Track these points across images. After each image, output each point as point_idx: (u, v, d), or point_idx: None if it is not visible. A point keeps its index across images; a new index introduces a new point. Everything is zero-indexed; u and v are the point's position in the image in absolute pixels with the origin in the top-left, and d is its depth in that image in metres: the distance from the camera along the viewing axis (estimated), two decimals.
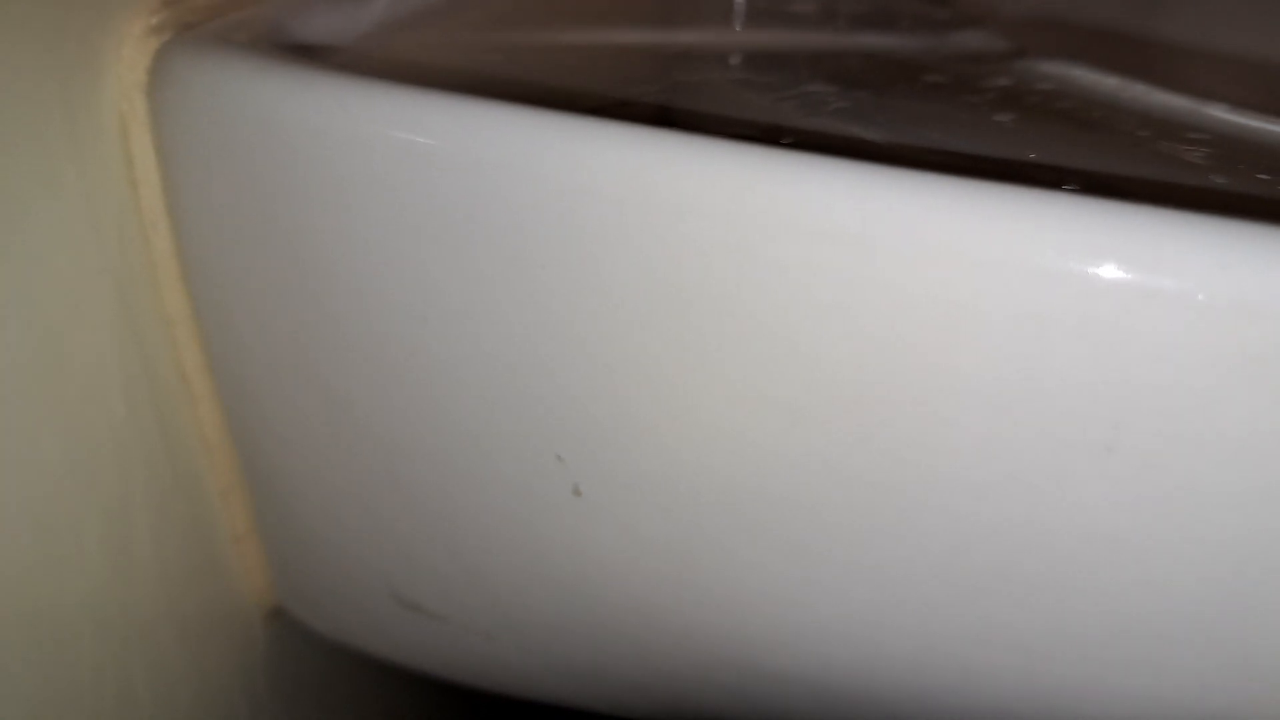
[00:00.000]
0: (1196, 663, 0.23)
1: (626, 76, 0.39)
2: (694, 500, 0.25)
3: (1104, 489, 0.21)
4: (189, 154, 0.27)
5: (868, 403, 0.22)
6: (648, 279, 0.22)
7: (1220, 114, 0.37)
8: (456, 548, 0.31)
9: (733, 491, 0.25)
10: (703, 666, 0.30)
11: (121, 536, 0.30)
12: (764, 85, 0.39)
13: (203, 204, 0.28)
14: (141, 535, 0.30)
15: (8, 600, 0.26)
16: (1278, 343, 0.19)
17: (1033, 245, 0.19)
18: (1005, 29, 0.47)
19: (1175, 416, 0.20)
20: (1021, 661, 0.25)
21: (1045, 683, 0.25)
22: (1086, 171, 0.31)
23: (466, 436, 0.28)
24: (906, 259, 0.20)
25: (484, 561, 0.31)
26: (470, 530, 0.30)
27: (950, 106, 0.38)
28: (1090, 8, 0.52)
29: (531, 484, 0.27)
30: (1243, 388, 0.19)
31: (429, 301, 0.25)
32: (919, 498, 0.23)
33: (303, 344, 0.29)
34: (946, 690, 0.26)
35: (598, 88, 0.36)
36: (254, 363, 0.31)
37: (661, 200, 0.22)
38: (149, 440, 0.30)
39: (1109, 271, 0.19)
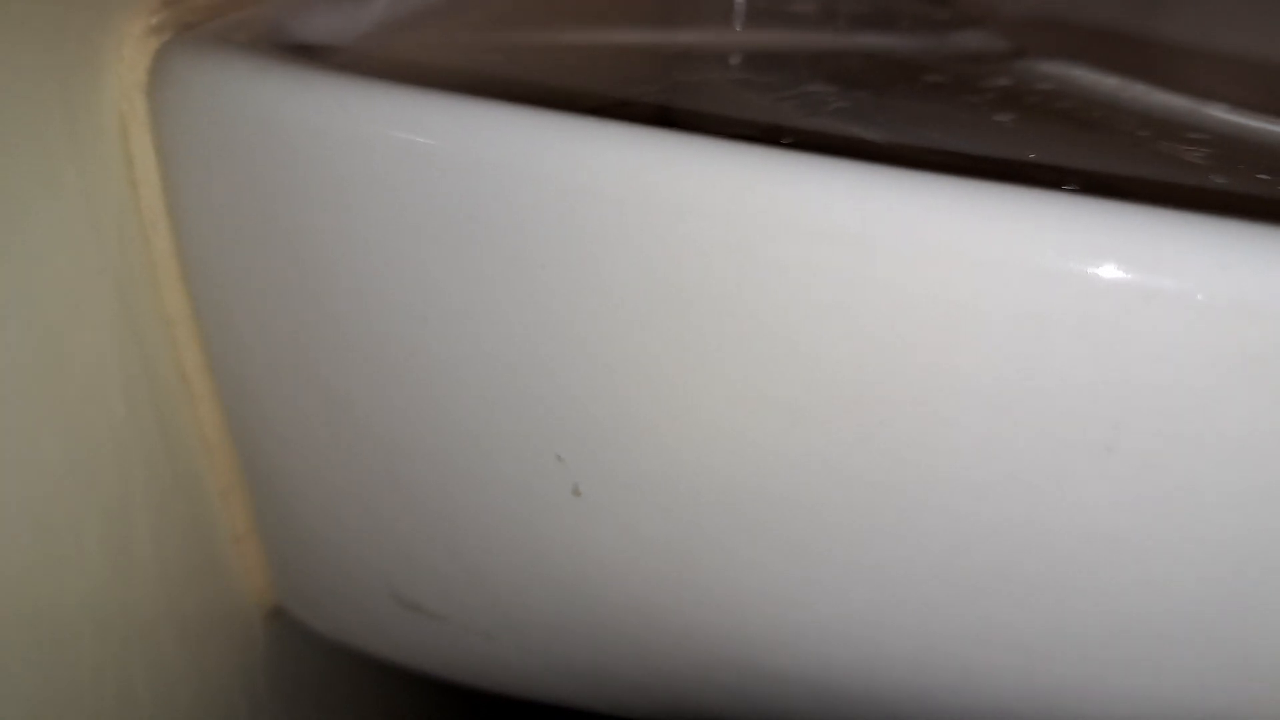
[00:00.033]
0: (1196, 663, 0.23)
1: (626, 76, 0.39)
2: (694, 500, 0.25)
3: (1104, 489, 0.21)
4: (189, 154, 0.27)
5: (868, 403, 0.22)
6: (648, 279, 0.22)
7: (1220, 114, 0.37)
8: (456, 548, 0.31)
9: (733, 491, 0.25)
10: (703, 666, 0.30)
11: (121, 536, 0.30)
12: (764, 85, 0.39)
13: (203, 204, 0.28)
14: (141, 535, 0.30)
15: (8, 600, 0.26)
16: (1277, 343, 0.19)
17: (1033, 245, 0.19)
18: (1005, 29, 0.47)
19: (1175, 416, 0.20)
20: (1021, 661, 0.25)
21: (1045, 683, 0.25)
22: (1086, 171, 0.31)
23: (466, 436, 0.28)
24: (906, 259, 0.20)
25: (484, 561, 0.31)
26: (470, 530, 0.30)
27: (950, 106, 0.38)
28: (1090, 8, 0.52)
29: (531, 484, 0.27)
30: (1243, 388, 0.19)
31: (429, 301, 0.25)
32: (919, 498, 0.23)
33: (303, 344, 0.29)
34: (946, 690, 0.26)
35: (598, 88, 0.36)
36: (254, 363, 0.31)
37: (661, 200, 0.22)
38: (149, 440, 0.30)
39: (1109, 271, 0.19)
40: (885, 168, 0.20)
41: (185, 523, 0.33)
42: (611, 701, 0.36)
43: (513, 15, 0.40)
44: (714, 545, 0.26)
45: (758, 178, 0.21)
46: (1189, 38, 0.49)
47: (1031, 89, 0.41)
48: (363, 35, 0.33)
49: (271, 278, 0.28)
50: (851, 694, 0.28)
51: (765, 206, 0.21)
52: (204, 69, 0.26)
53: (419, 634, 0.35)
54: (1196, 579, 0.22)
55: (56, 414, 0.27)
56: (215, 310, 0.30)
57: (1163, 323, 0.19)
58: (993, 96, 0.39)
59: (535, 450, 0.26)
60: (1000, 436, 0.21)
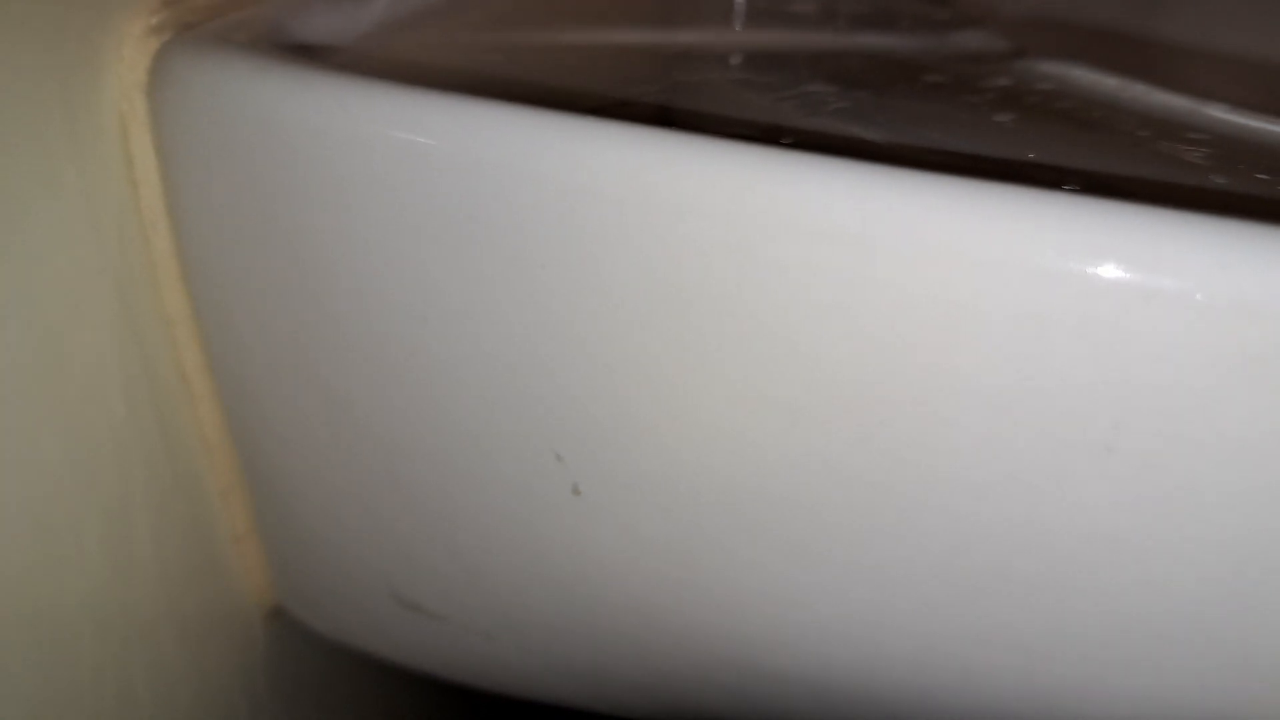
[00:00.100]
0: (1196, 663, 0.23)
1: (626, 76, 0.39)
2: (694, 500, 0.25)
3: (1104, 489, 0.21)
4: (189, 154, 0.27)
5: (868, 403, 0.22)
6: (648, 279, 0.22)
7: (1220, 114, 0.37)
8: (456, 548, 0.31)
9: (733, 491, 0.25)
10: (703, 666, 0.30)
11: (121, 536, 0.30)
12: (764, 85, 0.39)
13: (203, 204, 0.28)
14: (141, 535, 0.30)
15: (8, 600, 0.26)
16: (1277, 343, 0.19)
17: (1033, 245, 0.19)
18: (1005, 29, 0.47)
19: (1175, 416, 0.20)
20: (1021, 661, 0.25)
21: (1045, 683, 0.25)
22: (1086, 171, 0.31)
23: (466, 436, 0.28)
24: (906, 259, 0.20)
25: (484, 561, 0.31)
26: (470, 530, 0.30)
27: (950, 106, 0.38)
28: (1090, 8, 0.52)
29: (531, 484, 0.27)
30: (1243, 388, 0.19)
31: (429, 301, 0.25)
32: (919, 498, 0.23)
33: (303, 344, 0.29)
34: (946, 690, 0.26)
35: (598, 88, 0.36)
36: (254, 363, 0.31)
37: (661, 200, 0.22)
38: (149, 440, 0.30)
39: (1109, 271, 0.19)
40: (885, 168, 0.20)
41: (185, 523, 0.33)
42: (611, 701, 0.36)
43: (513, 15, 0.40)
44: (714, 545, 0.26)
45: (758, 178, 0.21)
46: (1189, 38, 0.49)
47: (1031, 89, 0.41)
48: (363, 35, 0.33)
49: (271, 278, 0.28)
50: (851, 694, 0.28)
51: (765, 206, 0.21)
52: (204, 69, 0.26)
53: (419, 634, 0.35)
54: (1196, 579, 0.22)
55: (56, 414, 0.27)
56: (215, 310, 0.30)
57: (1163, 323, 0.19)
58: (993, 96, 0.39)
59: (535, 450, 0.26)
60: (1000, 436, 0.21)
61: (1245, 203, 0.30)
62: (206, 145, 0.27)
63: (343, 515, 0.33)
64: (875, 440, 0.22)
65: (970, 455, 0.22)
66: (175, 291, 0.30)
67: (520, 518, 0.29)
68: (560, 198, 0.22)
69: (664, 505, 0.26)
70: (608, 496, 0.26)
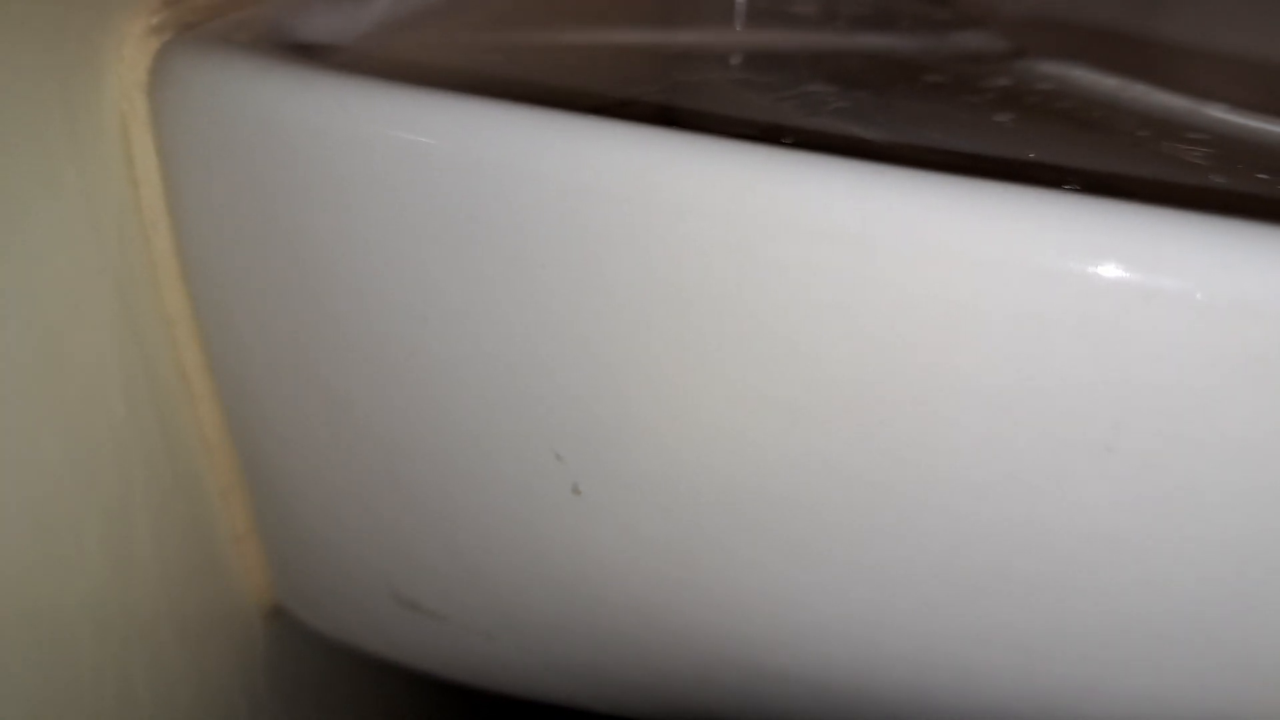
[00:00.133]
0: (1196, 663, 0.23)
1: (627, 76, 0.39)
2: (694, 500, 0.25)
3: (1104, 489, 0.21)
4: (189, 154, 0.27)
5: (868, 403, 0.22)
6: (648, 279, 0.22)
7: (1220, 114, 0.37)
8: (456, 548, 0.31)
9: (733, 491, 0.25)
10: (703, 666, 0.30)
11: (121, 536, 0.30)
12: (764, 85, 0.39)
13: (203, 204, 0.28)
14: (141, 535, 0.30)
15: (8, 600, 0.26)
16: (1278, 342, 0.19)
17: (1033, 245, 0.19)
18: (1005, 29, 0.47)
19: (1175, 416, 0.20)
20: (1021, 661, 0.25)
21: (1045, 683, 0.25)
22: (1086, 171, 0.31)
23: (466, 436, 0.28)
24: (906, 259, 0.20)
25: (484, 561, 0.31)
26: (470, 530, 0.30)
27: (950, 106, 0.38)
28: (1090, 8, 0.52)
29: (531, 483, 0.27)
30: (1243, 387, 0.19)
31: (429, 301, 0.25)
32: (919, 498, 0.23)
33: (303, 344, 0.29)
34: (946, 690, 0.26)
35: (598, 88, 0.36)
36: (254, 363, 0.31)
37: (662, 200, 0.22)
38: (149, 440, 0.30)
39: (1109, 271, 0.19)
40: (885, 167, 0.20)
41: (185, 523, 0.33)
42: (611, 701, 0.36)
43: (513, 15, 0.40)
44: (714, 545, 0.26)
45: (758, 178, 0.21)
46: (1189, 38, 0.49)
47: (1031, 89, 0.41)
48: (363, 35, 0.33)
49: (271, 278, 0.28)
50: (851, 694, 0.28)
51: (765, 206, 0.21)
52: (204, 69, 0.26)
53: (419, 634, 0.35)
54: (1196, 579, 0.22)
55: (56, 414, 0.27)
56: (215, 310, 0.30)
57: (1163, 323, 0.19)
58: (993, 96, 0.39)
59: (535, 450, 0.26)
60: (1000, 436, 0.21)
61: (1245, 203, 0.30)
62: (207, 145, 0.27)
63: (343, 515, 0.33)
64: (875, 440, 0.22)
65: (970, 455, 0.22)
66: (175, 291, 0.30)
67: (520, 518, 0.29)
68: (560, 197, 0.22)
69: (664, 505, 0.26)
70: (608, 496, 0.26)
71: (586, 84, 0.36)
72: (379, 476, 0.31)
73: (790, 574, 0.26)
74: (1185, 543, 0.21)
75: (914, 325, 0.21)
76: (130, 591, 0.30)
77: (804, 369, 0.22)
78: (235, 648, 0.36)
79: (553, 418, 0.26)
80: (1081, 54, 0.43)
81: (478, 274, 0.24)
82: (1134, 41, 0.50)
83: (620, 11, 0.44)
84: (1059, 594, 0.23)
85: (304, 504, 0.33)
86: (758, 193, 0.21)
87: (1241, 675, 0.23)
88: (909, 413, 0.22)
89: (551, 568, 0.29)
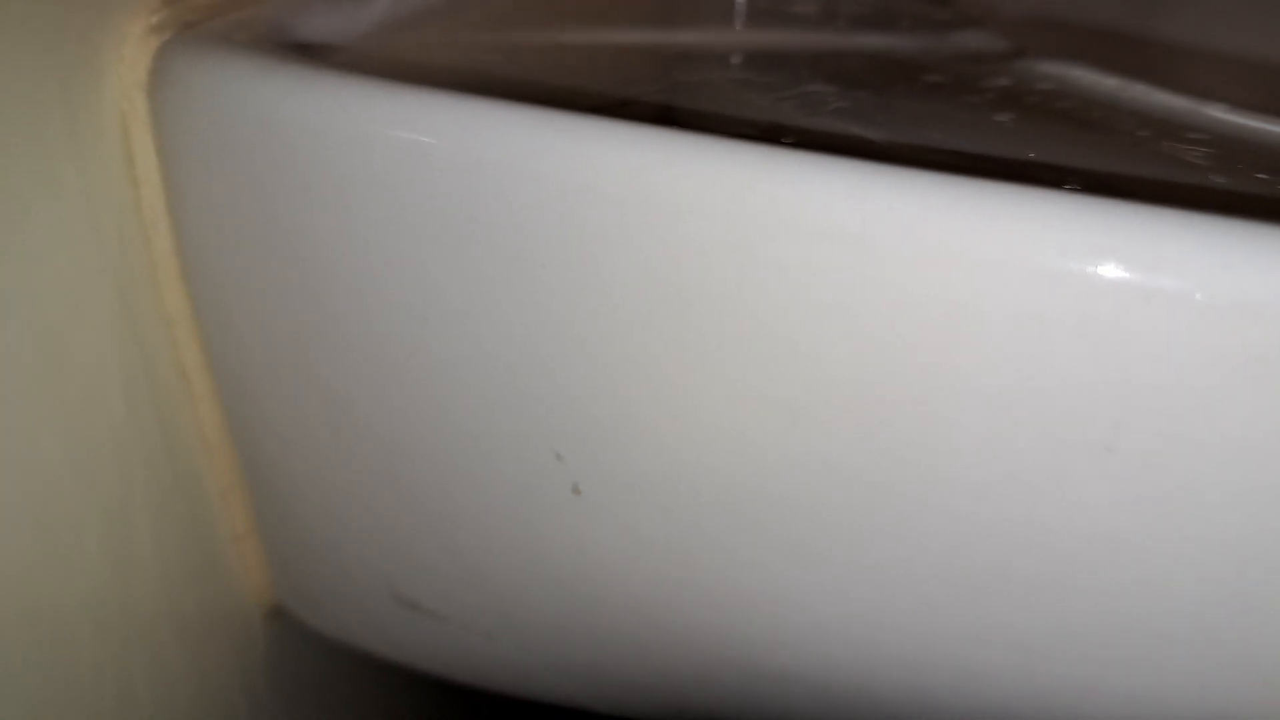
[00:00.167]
0: (1196, 663, 0.23)
1: (626, 76, 0.39)
2: (694, 500, 0.25)
3: (1104, 489, 0.21)
4: (190, 153, 0.27)
5: (868, 403, 0.22)
6: (648, 279, 0.22)
7: (1220, 114, 0.37)
8: (456, 548, 0.31)
9: (733, 491, 0.25)
10: (703, 666, 0.30)
11: (121, 536, 0.30)
12: (764, 85, 0.39)
13: (203, 203, 0.28)
14: (141, 535, 0.30)
15: (8, 600, 0.26)
16: (1278, 342, 0.19)
17: (1033, 245, 0.19)
18: (1005, 29, 0.47)
19: (1176, 416, 0.20)
20: (1021, 661, 0.25)
21: (1045, 683, 0.25)
22: (1086, 171, 0.31)
23: (466, 436, 0.28)
24: (906, 259, 0.20)
25: (484, 561, 0.31)
26: (470, 530, 0.30)
27: (950, 106, 0.38)
28: (1090, 8, 0.52)
29: (531, 483, 0.27)
30: (1243, 388, 0.19)
31: (429, 301, 0.25)
32: (919, 498, 0.23)
33: (303, 344, 0.29)
34: (946, 690, 0.26)
35: (598, 88, 0.36)
36: (254, 363, 0.31)
37: (662, 200, 0.22)
38: (149, 440, 0.30)
39: (1109, 271, 0.19)
40: (885, 167, 0.20)
41: (185, 523, 0.33)
42: (611, 701, 0.36)
43: (513, 15, 0.40)
44: (714, 545, 0.26)
45: (758, 178, 0.21)
46: (1189, 38, 0.49)
47: (1031, 89, 0.41)
48: (363, 35, 0.33)
49: (271, 278, 0.28)
50: (851, 694, 0.28)
51: (765, 206, 0.21)
52: (205, 68, 0.26)
53: (419, 634, 0.35)
54: (1196, 579, 0.22)
55: (56, 414, 0.27)
56: (215, 310, 0.30)
57: (1163, 323, 0.19)
58: (993, 96, 0.39)
59: (535, 450, 0.26)
60: (1000, 436, 0.21)
61: (1245, 203, 0.30)
62: (207, 144, 0.27)
63: (343, 515, 0.33)
64: (875, 440, 0.22)
65: (970, 455, 0.22)
66: (175, 291, 0.30)
67: (520, 517, 0.29)
68: (560, 197, 0.22)
69: (664, 505, 0.26)
70: (608, 496, 0.26)
71: (586, 84, 0.36)
72: (379, 476, 0.31)
73: (790, 574, 0.26)
74: (1185, 543, 0.21)
75: (914, 325, 0.21)
76: (130, 591, 0.30)
77: (804, 369, 0.22)
78: (235, 648, 0.36)
79: (553, 418, 0.26)
80: (1081, 54, 0.43)
81: (478, 274, 0.24)
82: (1134, 41, 0.50)
83: (620, 11, 0.44)
84: (1059, 594, 0.23)
85: (304, 504, 0.33)
86: (758, 193, 0.21)
87: (1241, 675, 0.23)
88: (909, 413, 0.22)
89: (551, 568, 0.29)
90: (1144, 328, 0.19)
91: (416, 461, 0.29)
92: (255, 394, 0.31)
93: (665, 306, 0.23)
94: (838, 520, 0.24)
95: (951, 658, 0.25)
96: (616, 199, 0.22)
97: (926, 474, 0.22)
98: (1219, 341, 0.19)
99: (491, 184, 0.23)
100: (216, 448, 0.33)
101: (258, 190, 0.26)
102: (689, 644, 0.29)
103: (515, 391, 0.26)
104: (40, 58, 0.25)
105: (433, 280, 0.25)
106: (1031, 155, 0.32)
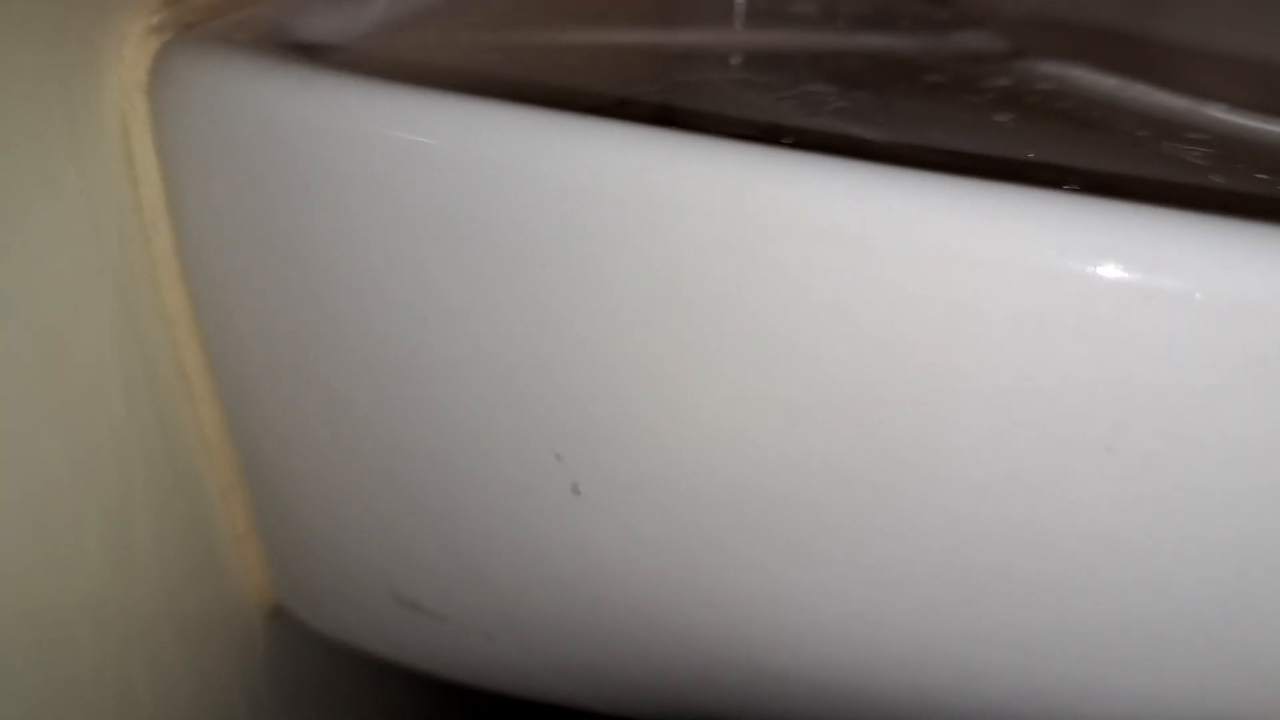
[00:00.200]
0: (1196, 663, 0.23)
1: (626, 76, 0.39)
2: (694, 500, 0.25)
3: (1104, 489, 0.21)
4: (190, 153, 0.27)
5: (868, 403, 0.22)
6: (648, 279, 0.22)
7: (1220, 114, 0.37)
8: (457, 548, 0.31)
9: (733, 491, 0.25)
10: (703, 666, 0.30)
11: (121, 536, 0.30)
12: (764, 85, 0.39)
13: (203, 203, 0.28)
14: (141, 535, 0.30)
15: (8, 600, 0.26)
16: (1278, 342, 0.19)
17: (1033, 245, 0.19)
18: (1005, 29, 0.47)
19: (1176, 416, 0.20)
20: (1021, 661, 0.25)
21: (1045, 683, 0.25)
22: (1086, 171, 0.31)
23: (466, 436, 0.28)
24: (906, 259, 0.20)
25: (484, 561, 0.31)
26: (470, 530, 0.30)
27: (950, 106, 0.38)
28: (1090, 8, 0.52)
29: (531, 483, 0.27)
30: (1243, 388, 0.19)
31: (429, 301, 0.25)
32: (919, 498, 0.23)
33: (303, 344, 0.29)
34: (946, 690, 0.26)
35: (598, 88, 0.36)
36: (254, 363, 0.31)
37: (662, 200, 0.22)
38: (149, 440, 0.30)
39: (1109, 271, 0.19)
40: (885, 168, 0.20)
41: (185, 523, 0.33)
42: (611, 701, 0.36)
43: (513, 15, 0.40)
44: (714, 545, 0.26)
45: (758, 178, 0.21)
46: (1189, 38, 0.49)
47: (1031, 89, 0.41)
48: (363, 35, 0.33)
49: (271, 278, 0.28)
50: (851, 694, 0.28)
51: (765, 206, 0.21)
52: (205, 69, 0.26)
53: (419, 634, 0.35)
54: (1197, 579, 0.22)
55: (56, 414, 0.27)
56: (215, 310, 0.30)
57: (1163, 323, 0.19)
58: (993, 96, 0.39)
59: (535, 450, 0.26)
60: (1000, 436, 0.21)
61: (1245, 203, 0.30)
62: (207, 145, 0.27)
63: (343, 515, 0.33)
64: (875, 440, 0.22)
65: (970, 455, 0.22)
66: (175, 291, 0.30)
67: (520, 517, 0.29)
68: (560, 198, 0.22)
69: (664, 505, 0.26)
70: (608, 496, 0.26)
71: (586, 84, 0.36)
72: (379, 476, 0.31)
73: (790, 574, 0.26)
74: (1185, 543, 0.21)
75: (914, 325, 0.21)
76: (130, 591, 0.30)
77: (804, 369, 0.22)
78: (235, 648, 0.36)
79: (553, 418, 0.26)
80: (1081, 54, 0.43)
81: (478, 274, 0.24)
82: (1134, 41, 0.50)
83: (620, 11, 0.44)
84: (1059, 594, 0.23)
85: (304, 504, 0.33)
86: (758, 193, 0.21)
87: (1241, 675, 0.23)
88: (909, 413, 0.22)
89: (551, 568, 0.29)
90: (1144, 328, 0.19)
91: (416, 461, 0.29)
92: (255, 394, 0.31)
93: (665, 306, 0.23)
94: (838, 520, 0.24)
95: (951, 658, 0.25)
96: (616, 199, 0.22)
97: (926, 474, 0.22)
98: (1219, 341, 0.19)
99: (491, 184, 0.23)
100: (216, 448, 0.33)
101: (258, 190, 0.26)
102: (689, 644, 0.29)
103: (515, 392, 0.26)
104: (40, 58, 0.25)
105: (433, 280, 0.25)
106: (1031, 155, 0.32)
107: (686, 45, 0.45)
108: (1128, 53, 0.48)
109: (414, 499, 0.30)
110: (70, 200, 0.26)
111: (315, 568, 0.35)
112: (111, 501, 0.29)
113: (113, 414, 0.29)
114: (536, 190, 0.23)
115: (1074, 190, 0.20)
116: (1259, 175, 0.32)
